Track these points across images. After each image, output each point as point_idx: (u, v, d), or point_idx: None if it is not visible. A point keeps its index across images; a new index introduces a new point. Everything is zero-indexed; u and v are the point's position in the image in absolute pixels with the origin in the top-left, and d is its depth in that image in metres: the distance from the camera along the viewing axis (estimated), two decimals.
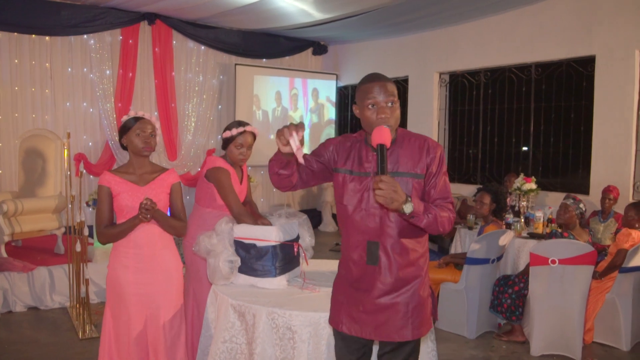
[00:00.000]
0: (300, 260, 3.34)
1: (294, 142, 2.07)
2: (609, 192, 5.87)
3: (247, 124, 3.58)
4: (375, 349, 2.47)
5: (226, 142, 3.57)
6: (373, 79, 2.21)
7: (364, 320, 2.28)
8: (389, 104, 2.18)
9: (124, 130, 2.96)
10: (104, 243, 3.01)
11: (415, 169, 2.23)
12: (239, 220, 3.33)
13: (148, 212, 2.77)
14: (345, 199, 2.28)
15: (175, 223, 3.02)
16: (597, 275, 4.60)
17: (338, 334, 2.39)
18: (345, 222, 2.31)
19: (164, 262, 3.02)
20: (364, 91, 2.20)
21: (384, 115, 2.16)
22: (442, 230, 2.20)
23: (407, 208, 2.04)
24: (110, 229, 2.92)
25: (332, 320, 2.39)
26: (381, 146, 2.05)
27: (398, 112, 2.22)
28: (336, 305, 2.38)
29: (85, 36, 7.84)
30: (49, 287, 5.42)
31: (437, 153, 2.25)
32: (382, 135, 2.07)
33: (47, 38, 7.57)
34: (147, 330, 2.97)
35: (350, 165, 2.29)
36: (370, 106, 2.19)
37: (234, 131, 3.52)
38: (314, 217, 10.03)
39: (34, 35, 7.46)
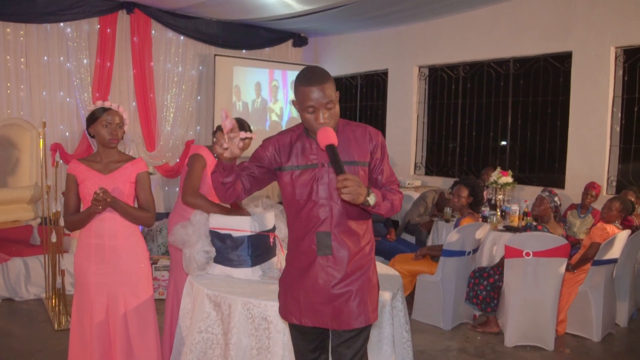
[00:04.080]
0: (277, 251, 3.34)
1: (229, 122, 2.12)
2: (592, 189, 5.90)
3: (251, 131, 3.57)
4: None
5: None
6: (312, 82, 2.17)
7: (322, 311, 2.28)
8: (328, 107, 2.19)
9: (91, 119, 2.97)
10: (70, 230, 3.02)
11: (361, 157, 2.30)
12: (187, 204, 3.36)
13: (99, 202, 2.75)
14: (297, 194, 2.28)
15: (138, 213, 3.01)
16: (570, 268, 4.68)
17: (294, 327, 2.39)
18: (296, 217, 2.31)
19: (127, 252, 3.01)
20: (303, 94, 2.18)
21: (324, 120, 2.18)
22: (396, 211, 2.31)
23: (372, 199, 2.11)
24: (72, 217, 2.95)
25: (290, 315, 2.36)
26: (331, 147, 2.10)
27: (337, 110, 2.23)
28: (291, 300, 2.35)
29: (61, 24, 7.72)
30: (24, 278, 5.35)
31: (379, 140, 2.35)
32: (329, 136, 2.11)
33: (22, 26, 7.43)
34: (109, 320, 2.99)
35: (295, 160, 2.29)
36: (309, 110, 2.19)
37: (242, 134, 3.49)
38: None
39: (8, 29, 7.33)
